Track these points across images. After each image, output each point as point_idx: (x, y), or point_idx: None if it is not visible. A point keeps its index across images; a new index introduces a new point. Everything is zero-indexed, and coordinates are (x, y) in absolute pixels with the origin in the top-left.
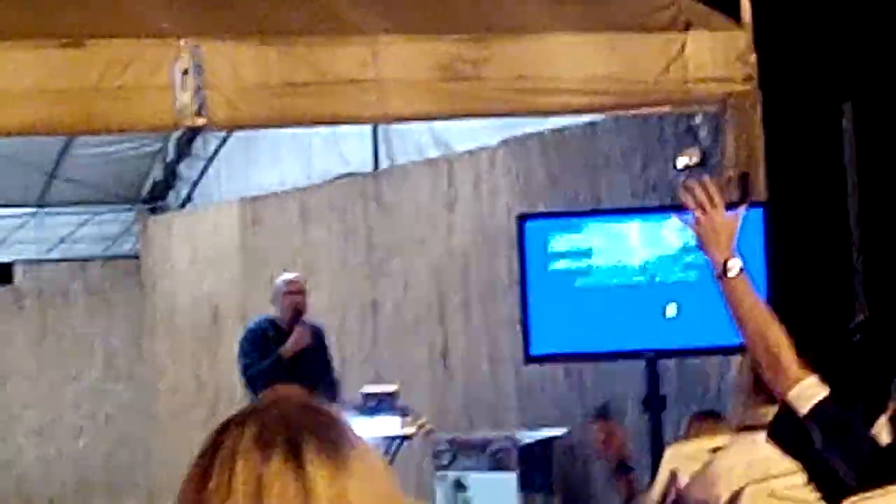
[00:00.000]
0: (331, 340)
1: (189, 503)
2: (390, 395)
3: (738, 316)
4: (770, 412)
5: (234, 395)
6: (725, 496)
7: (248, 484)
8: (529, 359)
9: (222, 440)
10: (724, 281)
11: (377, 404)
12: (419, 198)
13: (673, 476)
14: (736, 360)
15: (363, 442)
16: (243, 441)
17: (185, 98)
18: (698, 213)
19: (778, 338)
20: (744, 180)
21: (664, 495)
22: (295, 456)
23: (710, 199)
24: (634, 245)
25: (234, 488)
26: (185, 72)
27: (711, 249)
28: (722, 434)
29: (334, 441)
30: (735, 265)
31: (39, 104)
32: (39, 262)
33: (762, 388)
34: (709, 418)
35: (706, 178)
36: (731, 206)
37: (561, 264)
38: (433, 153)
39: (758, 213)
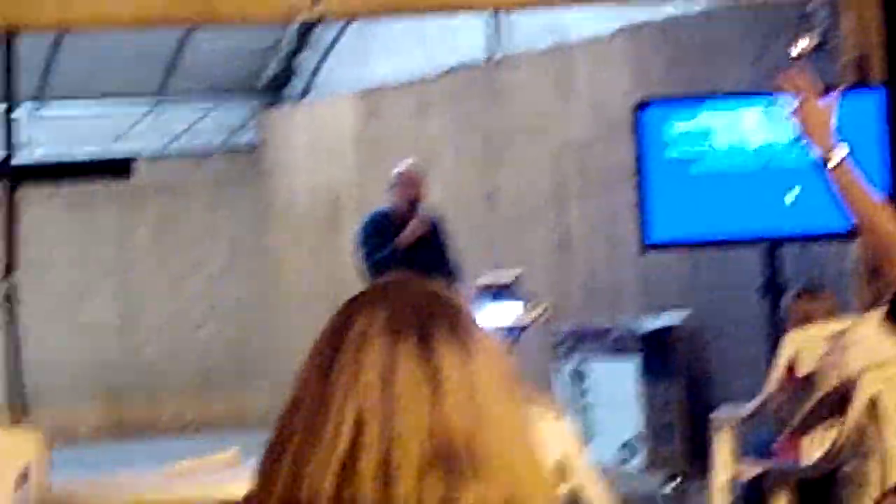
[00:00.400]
0: (449, 231)
1: (314, 383)
2: (509, 283)
3: (847, 204)
4: None
5: (354, 287)
6: (852, 368)
7: (378, 366)
8: (648, 246)
9: (352, 322)
10: (828, 170)
11: (496, 293)
12: (536, 87)
13: (791, 361)
14: (855, 244)
15: (484, 329)
16: (375, 324)
17: None
18: (796, 102)
19: (888, 225)
20: (861, 63)
21: (783, 380)
22: (425, 340)
23: (805, 87)
24: (752, 130)
25: (365, 370)
26: None
27: (812, 138)
28: (824, 310)
29: (461, 327)
30: (837, 154)
31: None
32: (159, 155)
33: (880, 272)
34: (809, 295)
35: (801, 65)
36: (829, 89)
37: (678, 151)
38: (549, 42)
39: (876, 96)
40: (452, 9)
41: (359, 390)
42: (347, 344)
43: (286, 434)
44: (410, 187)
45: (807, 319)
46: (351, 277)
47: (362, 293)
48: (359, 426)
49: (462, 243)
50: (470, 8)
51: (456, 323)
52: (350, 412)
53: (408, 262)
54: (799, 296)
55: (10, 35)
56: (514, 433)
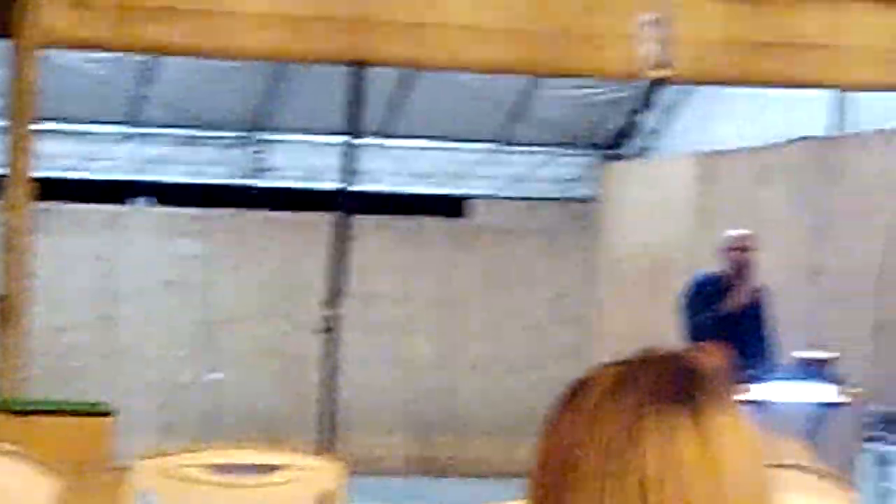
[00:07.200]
0: (772, 301)
1: (582, 457)
2: (825, 361)
3: None
4: None
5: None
6: None
7: (655, 436)
8: None
9: (612, 393)
10: None
11: (810, 370)
12: (873, 167)
13: None
14: None
15: (735, 398)
16: (640, 394)
17: (650, 49)
18: None
19: None
20: None
21: None
22: (698, 404)
23: None
24: None
25: (641, 441)
26: (652, 23)
27: None
28: None
29: (723, 388)
30: None
31: (507, 43)
32: (496, 198)
33: None
34: None
35: None
36: None
37: None
38: (892, 123)
39: None
40: (800, 84)
41: (638, 462)
42: (614, 417)
43: None
44: (743, 253)
45: None
46: (672, 336)
47: (612, 365)
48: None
49: (785, 316)
50: (815, 85)
51: (720, 385)
52: (632, 487)
53: (729, 327)
54: None
55: (360, 68)
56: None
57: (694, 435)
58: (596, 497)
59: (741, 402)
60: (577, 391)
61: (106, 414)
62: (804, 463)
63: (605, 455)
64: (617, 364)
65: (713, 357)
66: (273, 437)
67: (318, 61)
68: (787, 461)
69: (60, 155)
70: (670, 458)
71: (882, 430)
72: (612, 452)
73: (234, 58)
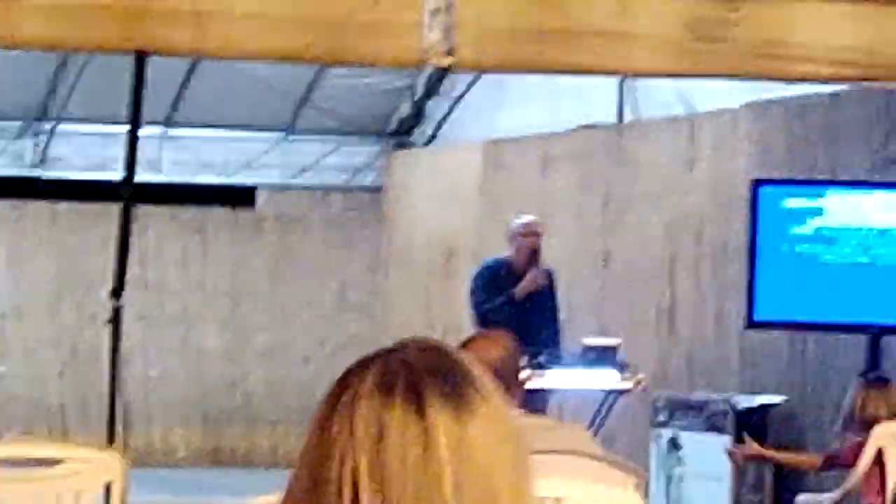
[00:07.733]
0: (561, 288)
1: (313, 447)
2: (612, 348)
3: None
4: None
5: (463, 334)
6: None
7: (369, 429)
8: (752, 324)
9: (346, 385)
10: None
11: (598, 356)
12: (659, 154)
13: (880, 454)
14: None
15: (488, 384)
16: (365, 386)
17: (433, 37)
18: None
19: None
20: None
21: (869, 471)
22: (416, 400)
23: None
24: (869, 218)
25: (356, 433)
26: (437, 11)
27: None
28: (888, 402)
29: (457, 384)
30: None
31: (291, 32)
32: (282, 188)
33: None
34: (878, 384)
35: None
36: None
37: (792, 232)
38: (677, 110)
39: None
40: (584, 71)
41: (353, 455)
42: (339, 409)
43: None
44: (531, 239)
45: (864, 409)
46: (460, 325)
47: (363, 357)
48: (356, 493)
49: (572, 302)
50: (600, 73)
51: (452, 378)
52: (347, 478)
53: (519, 313)
54: (868, 384)
55: (142, 58)
56: (512, 497)
57: (415, 430)
58: (326, 499)
59: (525, 389)
60: (334, 385)
61: None
62: (585, 449)
63: (328, 453)
64: (362, 358)
65: (499, 344)
66: (61, 430)
67: (98, 51)
68: (566, 447)
69: None
70: (381, 457)
71: (669, 415)
72: (332, 451)
73: (11, 48)
